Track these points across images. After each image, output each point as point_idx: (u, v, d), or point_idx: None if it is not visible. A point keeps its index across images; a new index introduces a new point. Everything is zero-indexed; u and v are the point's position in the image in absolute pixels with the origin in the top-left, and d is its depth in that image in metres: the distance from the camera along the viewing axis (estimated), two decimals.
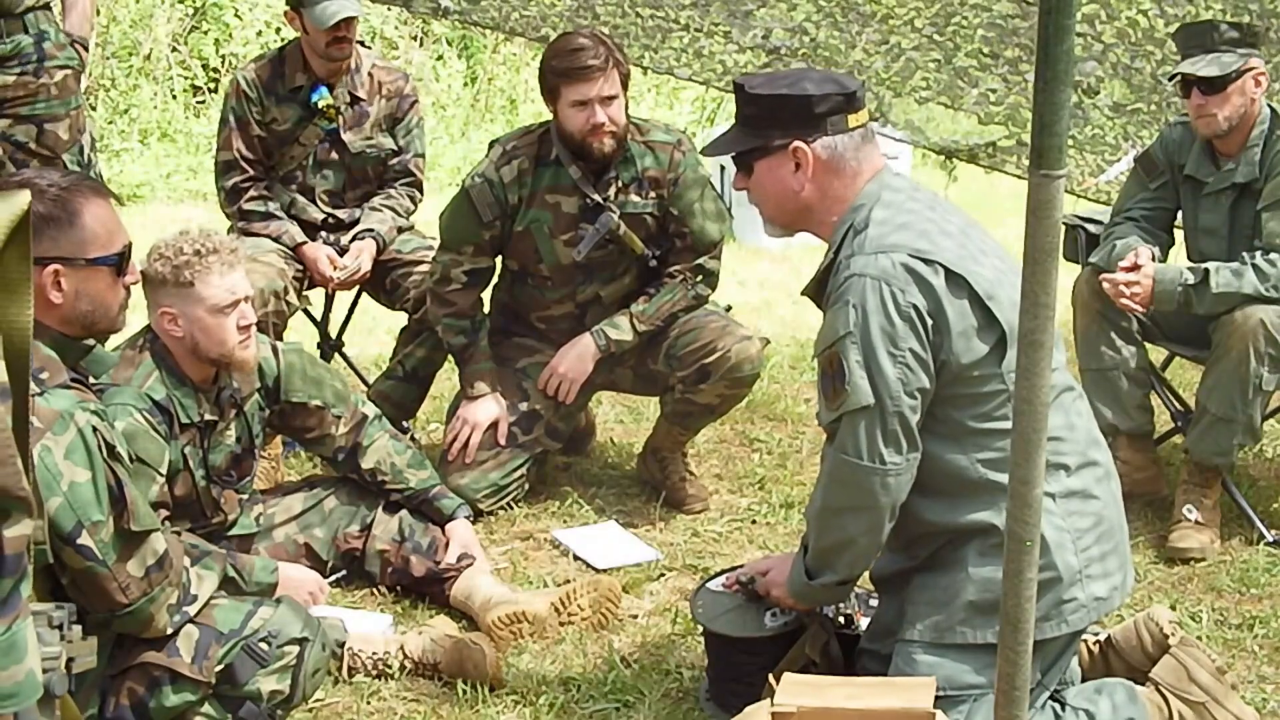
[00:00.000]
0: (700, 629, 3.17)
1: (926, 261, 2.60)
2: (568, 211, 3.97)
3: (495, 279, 4.21)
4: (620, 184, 3.97)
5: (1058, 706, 2.76)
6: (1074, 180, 5.29)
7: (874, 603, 3.10)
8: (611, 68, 3.79)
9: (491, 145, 4.08)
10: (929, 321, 2.59)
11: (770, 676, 2.72)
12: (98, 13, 7.24)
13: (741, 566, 3.25)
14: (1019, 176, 5.18)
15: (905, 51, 4.74)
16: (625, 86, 3.88)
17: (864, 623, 3.03)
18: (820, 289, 2.78)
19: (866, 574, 2.97)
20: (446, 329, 4.08)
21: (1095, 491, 2.74)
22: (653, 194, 4.00)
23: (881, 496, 2.64)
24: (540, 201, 3.97)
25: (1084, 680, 2.92)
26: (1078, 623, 2.69)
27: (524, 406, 4.09)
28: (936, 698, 2.56)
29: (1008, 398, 2.58)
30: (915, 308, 2.58)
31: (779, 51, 4.91)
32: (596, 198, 3.94)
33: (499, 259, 4.13)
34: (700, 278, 4.07)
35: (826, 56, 4.90)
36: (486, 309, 4.20)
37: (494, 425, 4.04)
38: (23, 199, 1.29)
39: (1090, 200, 5.38)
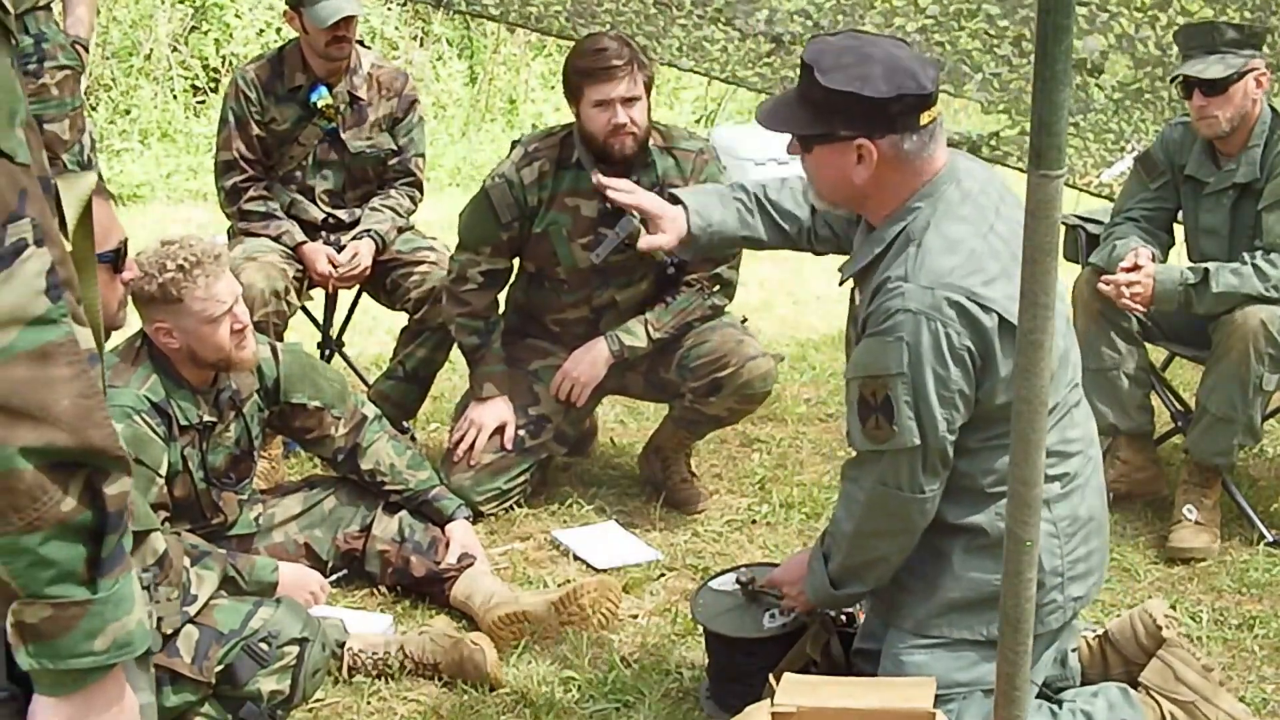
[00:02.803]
0: (700, 628, 3.17)
1: (983, 307, 2.54)
2: (587, 215, 3.95)
3: (512, 278, 4.20)
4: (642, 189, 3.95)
5: (1055, 707, 2.76)
6: (1076, 173, 5.28)
7: None
8: (635, 70, 3.78)
9: (513, 146, 4.06)
10: (979, 363, 2.57)
11: (770, 676, 2.72)
12: (98, 13, 7.24)
13: (743, 566, 3.25)
14: (1020, 170, 5.17)
15: (909, 34, 4.72)
16: (649, 90, 3.86)
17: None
18: (863, 275, 2.71)
19: None
20: (460, 329, 4.08)
21: (1085, 491, 2.76)
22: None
23: (919, 520, 2.68)
24: (560, 204, 3.95)
25: (1083, 675, 2.92)
26: (1053, 623, 2.71)
27: (533, 410, 4.08)
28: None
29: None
30: (969, 350, 2.55)
31: (782, 39, 4.89)
32: None
33: (516, 260, 4.13)
34: (717, 287, 4.05)
35: None
36: (502, 309, 4.19)
37: (500, 429, 4.03)
38: (89, 180, 1.37)
39: (1093, 195, 5.37)
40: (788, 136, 2.70)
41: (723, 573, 3.23)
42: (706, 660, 3.14)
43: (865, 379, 2.61)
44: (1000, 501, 2.51)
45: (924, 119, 2.59)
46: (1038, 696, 2.74)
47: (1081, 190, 5.38)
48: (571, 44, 4.33)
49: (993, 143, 5.19)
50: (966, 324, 2.53)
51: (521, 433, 4.05)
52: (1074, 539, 2.71)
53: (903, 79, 2.55)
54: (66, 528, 1.25)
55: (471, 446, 4.00)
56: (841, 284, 2.85)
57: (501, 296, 4.17)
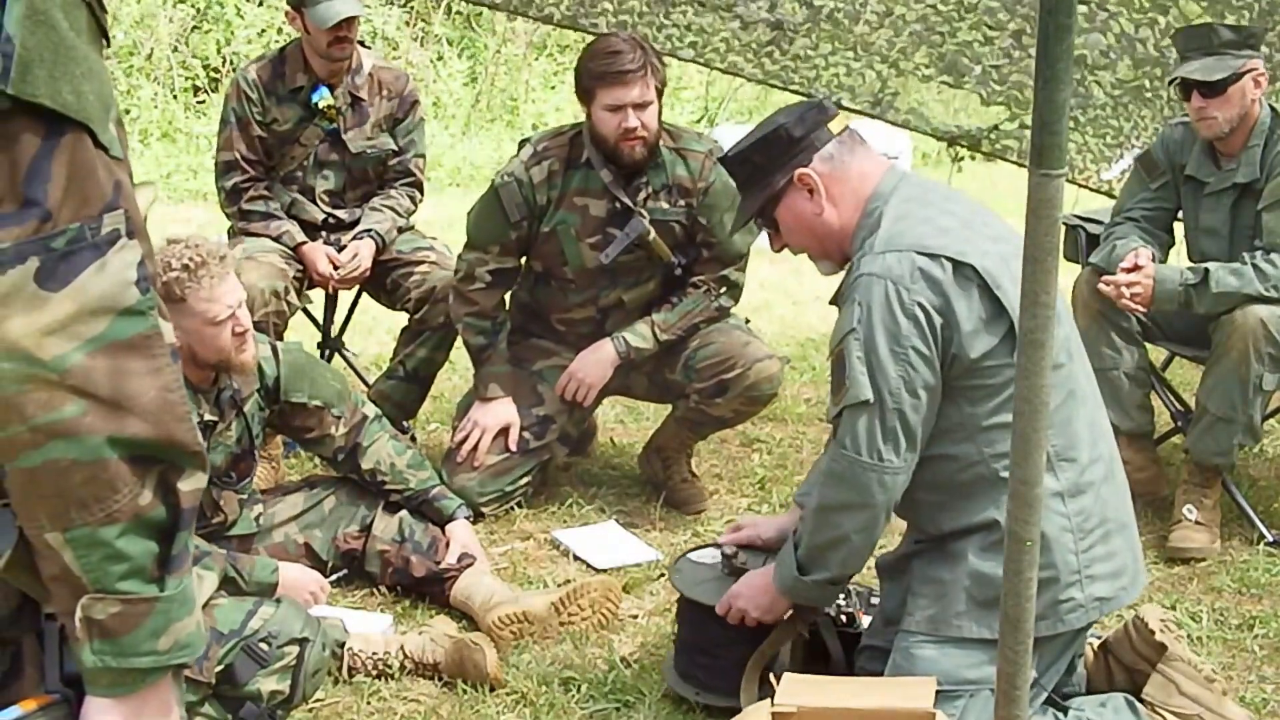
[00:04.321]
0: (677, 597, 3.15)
1: (932, 257, 2.60)
2: (596, 215, 3.96)
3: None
4: (650, 190, 3.95)
5: (1060, 714, 2.75)
6: (1075, 169, 5.26)
7: (875, 600, 3.10)
8: (649, 74, 3.78)
9: (522, 144, 4.06)
10: (937, 320, 2.59)
11: (753, 669, 2.73)
12: None
13: (724, 543, 3.24)
14: (1019, 164, 5.16)
15: (909, 24, 4.72)
16: (661, 95, 3.86)
17: (865, 621, 3.04)
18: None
19: (869, 569, 2.97)
20: (467, 328, 4.07)
21: (1102, 489, 2.73)
22: (682, 202, 3.97)
23: (878, 494, 2.64)
24: (569, 204, 3.95)
25: (1089, 684, 2.91)
26: (1074, 622, 2.68)
27: (538, 411, 4.08)
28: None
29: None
30: (921, 306, 2.58)
31: (783, 27, 4.88)
32: (627, 201, 3.92)
33: (523, 260, 4.12)
34: (724, 289, 4.05)
35: (830, 30, 4.87)
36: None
37: (504, 430, 4.03)
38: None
39: (1092, 190, 5.36)
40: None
41: (702, 547, 3.23)
42: (677, 629, 3.13)
43: (833, 348, 2.68)
44: None
45: (834, 127, 2.79)
46: (1045, 703, 2.73)
47: (1080, 186, 5.37)
48: (570, 32, 4.35)
49: (992, 136, 5.19)
50: (919, 279, 2.59)
51: (526, 434, 4.05)
52: (1092, 534, 2.68)
53: (792, 110, 2.81)
54: (142, 522, 1.24)
55: (475, 448, 4.00)
56: (832, 302, 2.87)
57: (508, 296, 4.17)
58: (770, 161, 2.79)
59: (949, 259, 2.60)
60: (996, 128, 5.18)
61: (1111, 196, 4.88)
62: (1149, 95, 4.77)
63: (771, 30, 4.93)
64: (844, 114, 2.97)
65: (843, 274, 2.80)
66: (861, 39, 4.85)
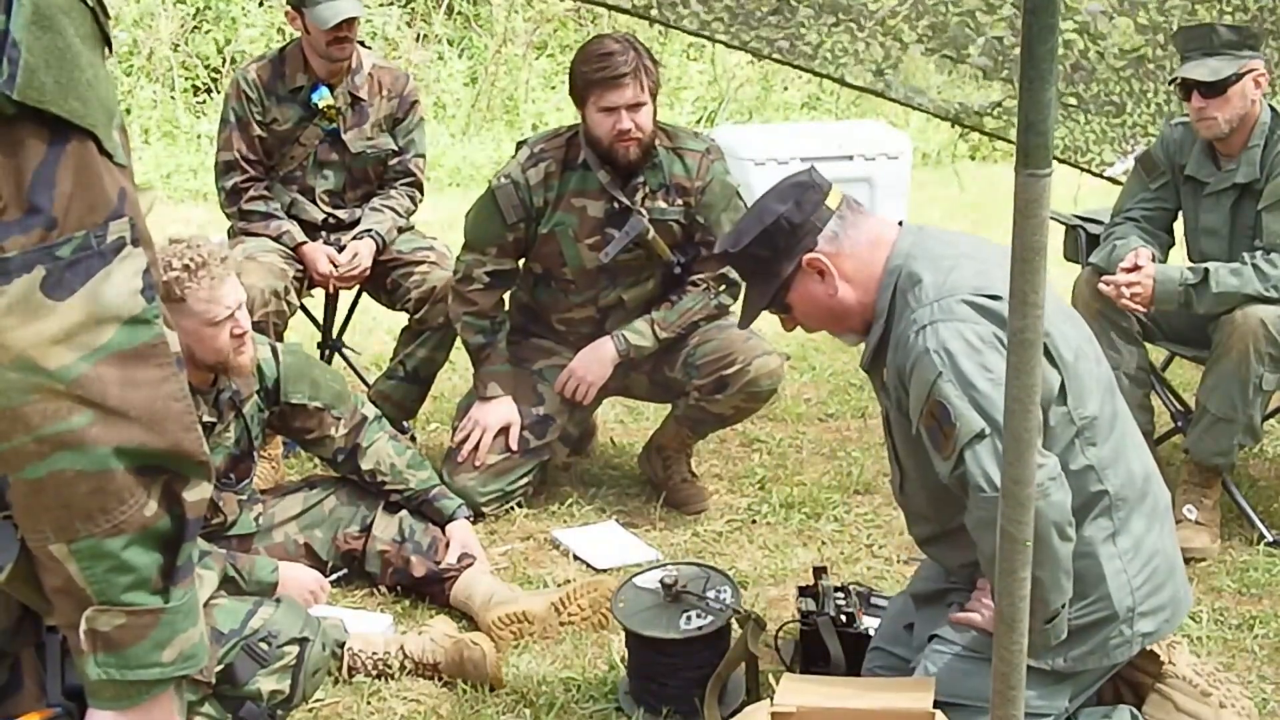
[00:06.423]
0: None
1: (990, 296, 2.53)
2: (594, 215, 3.96)
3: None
4: (648, 189, 3.96)
5: None
6: (1079, 151, 5.23)
7: (876, 601, 3.10)
8: (642, 75, 3.79)
9: (519, 146, 4.08)
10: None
11: (712, 691, 2.76)
12: None
13: (670, 565, 3.25)
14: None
15: None
16: (655, 95, 3.87)
17: (866, 621, 3.03)
18: (876, 359, 2.71)
19: (864, 572, 2.95)
20: (466, 327, 4.08)
21: (1152, 528, 2.69)
22: (680, 201, 3.98)
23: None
24: (566, 205, 3.96)
25: (1097, 698, 2.91)
26: (1119, 656, 2.67)
27: (538, 411, 4.09)
28: (962, 705, 2.55)
29: (1075, 434, 2.56)
30: (996, 335, 2.49)
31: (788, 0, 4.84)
32: (625, 201, 3.93)
33: (522, 261, 4.12)
34: (723, 287, 4.06)
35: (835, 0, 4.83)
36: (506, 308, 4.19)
37: (505, 429, 4.03)
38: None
39: (1094, 174, 5.33)
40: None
41: (651, 569, 3.23)
42: (627, 654, 3.14)
43: (922, 410, 2.54)
44: (1083, 530, 2.52)
45: (830, 201, 2.70)
46: None
47: (1083, 169, 5.34)
48: (571, 33, 4.33)
49: (994, 112, 5.15)
50: (983, 315, 2.52)
51: (526, 433, 4.05)
52: (1142, 573, 2.65)
53: (785, 193, 2.70)
54: (148, 533, 1.23)
55: (476, 447, 4.00)
56: (861, 367, 2.80)
57: (507, 296, 4.17)
58: (775, 253, 2.69)
59: (1004, 298, 2.52)
60: (999, 104, 5.14)
61: (1117, 183, 4.85)
62: (1151, 67, 4.73)
63: (776, 1, 4.88)
64: (837, 183, 2.78)
65: (867, 340, 2.72)
66: (864, 8, 4.81)
